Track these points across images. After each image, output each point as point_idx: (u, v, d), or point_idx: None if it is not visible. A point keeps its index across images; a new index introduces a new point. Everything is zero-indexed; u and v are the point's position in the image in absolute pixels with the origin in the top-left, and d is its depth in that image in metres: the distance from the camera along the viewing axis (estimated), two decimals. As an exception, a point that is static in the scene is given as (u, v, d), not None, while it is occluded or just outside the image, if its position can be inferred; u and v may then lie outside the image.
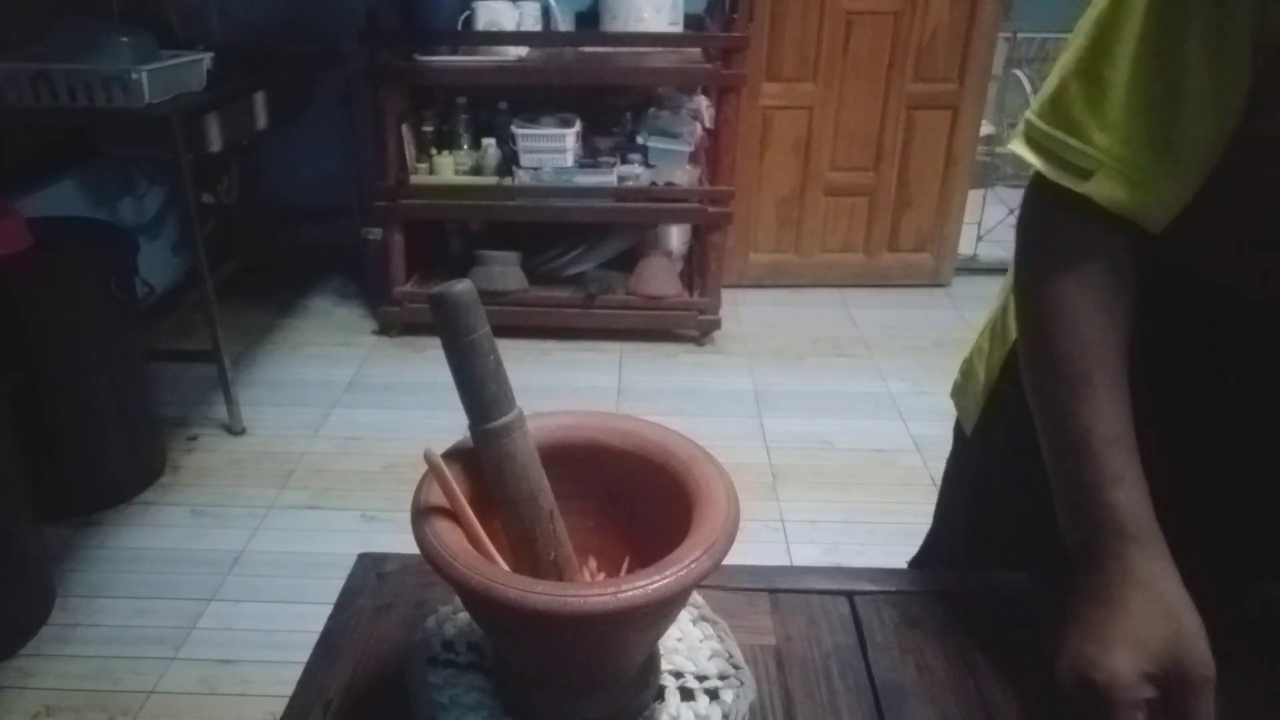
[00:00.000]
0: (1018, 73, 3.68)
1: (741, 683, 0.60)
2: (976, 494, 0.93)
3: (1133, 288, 0.63)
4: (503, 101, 2.97)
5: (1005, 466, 0.87)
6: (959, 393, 0.94)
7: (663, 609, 0.51)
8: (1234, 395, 0.70)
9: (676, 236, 3.22)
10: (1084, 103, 0.61)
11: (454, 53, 2.91)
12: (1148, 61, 0.58)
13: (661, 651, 0.61)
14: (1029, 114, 0.65)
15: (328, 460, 2.43)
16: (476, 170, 2.97)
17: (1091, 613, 0.57)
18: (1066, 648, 0.57)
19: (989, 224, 3.59)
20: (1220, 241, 0.65)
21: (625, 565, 0.61)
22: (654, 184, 2.94)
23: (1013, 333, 0.83)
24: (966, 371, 0.93)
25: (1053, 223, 0.64)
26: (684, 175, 2.95)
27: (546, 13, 2.99)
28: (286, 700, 0.61)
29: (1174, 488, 0.61)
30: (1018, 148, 0.66)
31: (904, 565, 1.03)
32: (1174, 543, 0.58)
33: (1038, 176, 0.65)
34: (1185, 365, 0.70)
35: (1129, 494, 0.58)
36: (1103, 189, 0.60)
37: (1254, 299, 0.66)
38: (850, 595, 0.71)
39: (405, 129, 2.94)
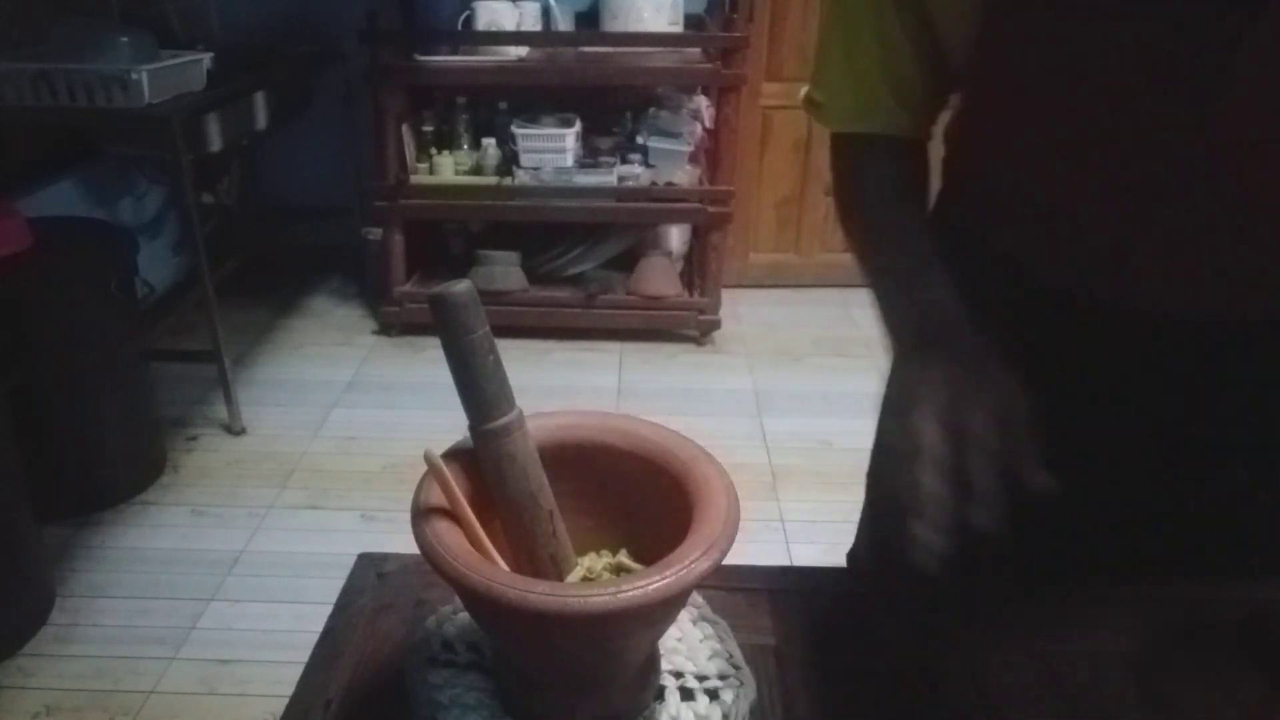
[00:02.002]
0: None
1: (741, 683, 0.60)
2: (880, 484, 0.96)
3: (906, 165, 0.78)
4: (503, 101, 2.98)
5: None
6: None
7: (663, 609, 0.51)
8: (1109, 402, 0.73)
9: (676, 236, 3.22)
10: (816, 55, 0.79)
11: (454, 53, 2.91)
12: (836, 19, 0.76)
13: (661, 651, 0.61)
14: None
15: (328, 460, 2.43)
16: (476, 170, 2.97)
17: (947, 360, 0.60)
18: (929, 377, 0.58)
19: (989, 224, 3.59)
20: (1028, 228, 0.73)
21: (625, 565, 0.61)
22: (654, 184, 2.94)
23: None
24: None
25: (839, 146, 0.82)
26: (684, 175, 2.95)
27: (546, 13, 2.99)
28: (286, 700, 0.61)
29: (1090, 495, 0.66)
30: (802, 97, 0.83)
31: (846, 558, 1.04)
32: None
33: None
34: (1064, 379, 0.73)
35: (937, 275, 0.67)
36: (825, 116, 0.80)
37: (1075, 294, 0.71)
38: (849, 595, 0.71)
39: (405, 129, 2.94)
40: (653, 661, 0.59)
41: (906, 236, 0.73)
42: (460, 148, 2.99)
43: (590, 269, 3.13)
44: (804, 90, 0.82)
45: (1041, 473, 0.52)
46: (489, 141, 2.95)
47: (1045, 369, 0.71)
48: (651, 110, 3.01)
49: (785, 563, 2.08)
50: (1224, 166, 0.59)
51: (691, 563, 0.49)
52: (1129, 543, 0.72)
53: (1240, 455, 0.71)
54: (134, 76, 2.13)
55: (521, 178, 2.89)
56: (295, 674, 0.63)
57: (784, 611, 0.69)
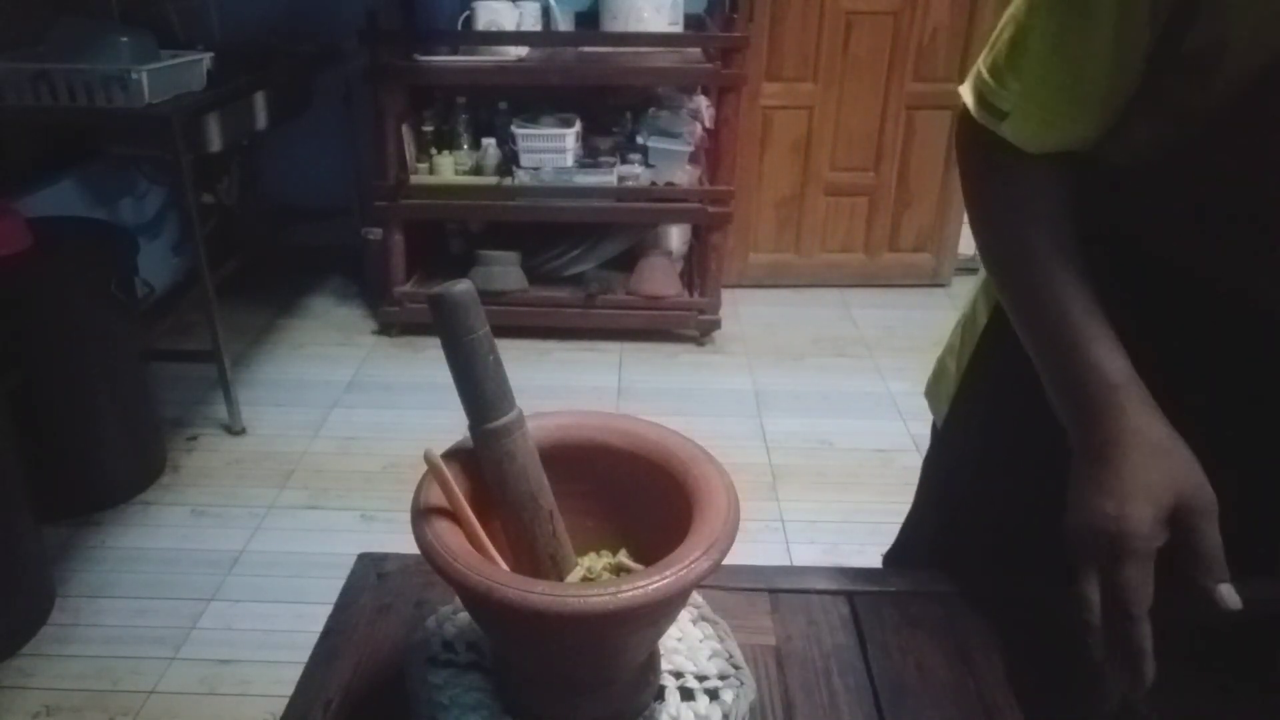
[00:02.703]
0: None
1: (741, 683, 0.60)
2: (947, 489, 0.94)
3: (1070, 199, 0.68)
4: (503, 101, 2.98)
5: (974, 460, 0.88)
6: (931, 390, 0.96)
7: (663, 609, 0.51)
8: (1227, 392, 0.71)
9: (676, 236, 3.22)
10: (1007, 50, 0.66)
11: (454, 53, 2.91)
12: (1058, 14, 0.63)
13: (661, 651, 0.61)
14: (979, 61, 0.70)
15: (328, 460, 2.43)
16: (476, 170, 2.97)
17: (1097, 470, 0.59)
18: (1077, 506, 0.59)
19: (989, 224, 3.59)
20: (1192, 225, 0.68)
21: (625, 565, 0.61)
22: (654, 184, 2.94)
23: (981, 322, 0.85)
24: (939, 370, 0.95)
25: (991, 153, 0.69)
26: (684, 175, 2.95)
27: (546, 13, 2.99)
28: (286, 700, 0.61)
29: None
30: (963, 89, 0.71)
31: (882, 559, 1.04)
32: None
33: (965, 114, 0.70)
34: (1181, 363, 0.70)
35: (1108, 350, 0.62)
36: (1014, 129, 0.67)
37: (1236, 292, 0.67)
38: (850, 595, 0.71)
39: (405, 129, 2.94)
40: (653, 661, 0.59)
41: (1076, 275, 0.65)
42: (460, 148, 2.99)
43: (590, 269, 3.13)
44: (969, 95, 0.70)
45: (1233, 592, 0.55)
46: (489, 141, 2.95)
47: (1203, 371, 0.69)
48: (651, 110, 3.01)
49: (785, 563, 2.08)
50: None
51: (691, 563, 0.49)
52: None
53: None
54: (134, 76, 2.13)
55: (521, 178, 2.88)
56: (295, 674, 0.63)
57: (784, 611, 0.69)
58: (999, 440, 0.84)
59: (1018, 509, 0.78)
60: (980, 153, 0.71)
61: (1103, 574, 0.56)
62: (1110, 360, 0.62)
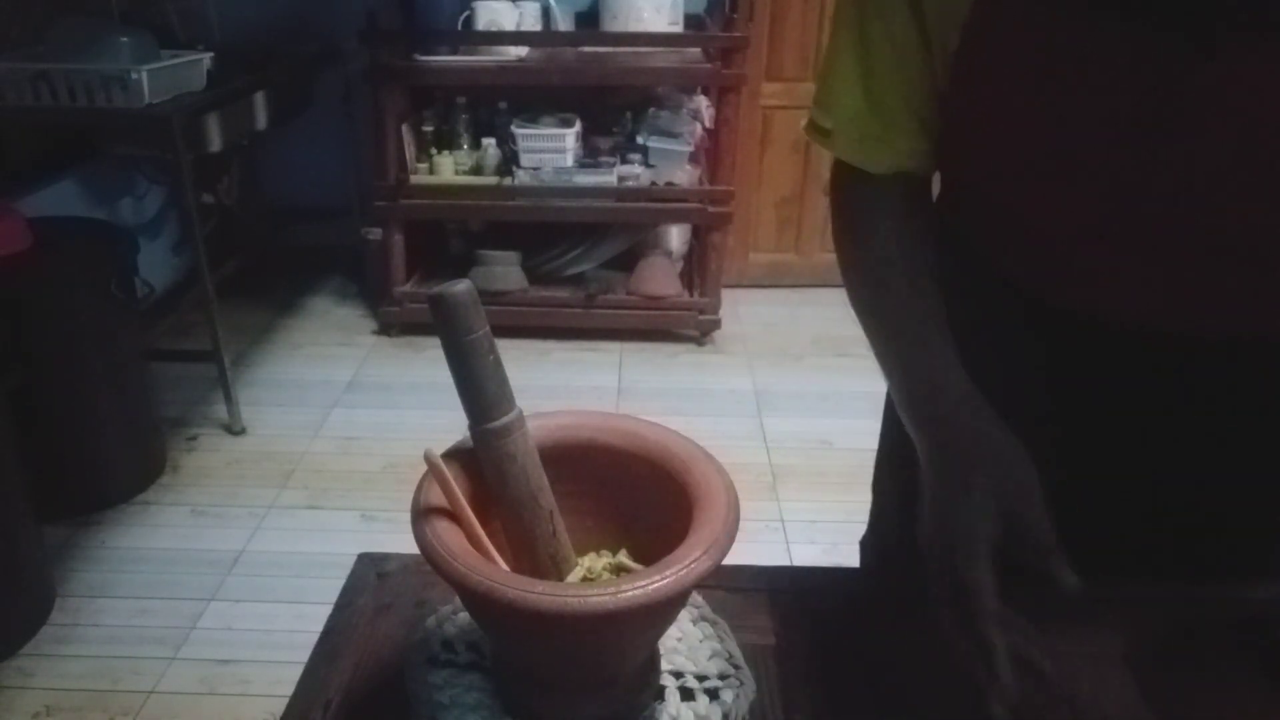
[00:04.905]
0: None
1: (741, 683, 0.60)
2: (888, 463, 0.98)
3: (919, 214, 0.73)
4: (503, 101, 2.98)
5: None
6: None
7: (663, 609, 0.51)
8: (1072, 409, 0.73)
9: (676, 236, 3.22)
10: (824, 79, 0.74)
11: (454, 53, 2.91)
12: (848, 42, 0.71)
13: (661, 651, 0.61)
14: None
15: (328, 460, 2.43)
16: (476, 170, 2.97)
17: (939, 470, 0.59)
18: (927, 508, 0.58)
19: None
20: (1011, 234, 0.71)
21: (625, 565, 0.61)
22: (654, 184, 2.94)
23: None
24: None
25: (850, 181, 0.75)
26: (684, 175, 2.95)
27: (546, 13, 2.99)
28: (286, 700, 0.61)
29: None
30: (805, 124, 0.78)
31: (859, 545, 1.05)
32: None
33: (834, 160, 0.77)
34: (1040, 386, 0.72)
35: (941, 359, 0.64)
36: (838, 145, 0.74)
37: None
38: (850, 595, 0.71)
39: (405, 129, 2.94)
40: (653, 661, 0.59)
41: (911, 289, 0.69)
42: (460, 148, 2.99)
43: (590, 269, 3.13)
44: (806, 119, 0.77)
45: (1068, 571, 0.53)
46: (489, 141, 2.95)
47: (1050, 385, 0.71)
48: (651, 110, 3.00)
49: (785, 563, 2.08)
50: (1192, 194, 0.59)
51: (691, 563, 0.49)
52: (1129, 543, 0.72)
53: (1239, 463, 0.71)
54: (134, 76, 2.13)
55: (521, 178, 2.88)
56: (295, 674, 0.63)
57: (784, 611, 0.69)
58: None
59: None
60: (842, 183, 0.76)
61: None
62: (945, 367, 0.63)
